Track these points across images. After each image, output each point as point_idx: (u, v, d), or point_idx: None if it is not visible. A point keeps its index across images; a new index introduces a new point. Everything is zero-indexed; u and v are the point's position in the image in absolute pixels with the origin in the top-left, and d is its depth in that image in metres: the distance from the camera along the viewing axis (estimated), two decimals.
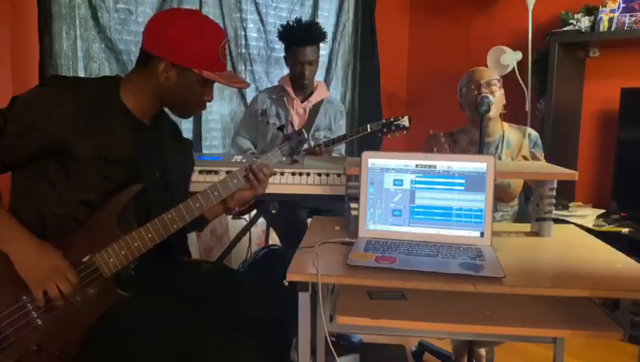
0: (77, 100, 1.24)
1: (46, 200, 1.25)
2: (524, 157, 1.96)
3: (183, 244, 1.58)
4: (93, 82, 1.39)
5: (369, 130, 2.22)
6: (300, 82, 2.44)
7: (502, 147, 2.04)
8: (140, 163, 1.33)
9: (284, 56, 2.49)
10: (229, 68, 1.42)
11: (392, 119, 2.19)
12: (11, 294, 1.20)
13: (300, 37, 2.36)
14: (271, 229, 2.72)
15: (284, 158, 1.54)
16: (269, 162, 1.51)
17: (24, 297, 1.20)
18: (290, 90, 2.47)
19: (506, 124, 2.07)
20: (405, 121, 2.19)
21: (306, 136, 1.57)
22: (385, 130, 2.21)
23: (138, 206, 1.33)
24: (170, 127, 1.52)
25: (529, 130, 2.09)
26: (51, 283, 1.19)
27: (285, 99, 2.49)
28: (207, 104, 1.43)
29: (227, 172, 1.46)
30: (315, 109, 2.50)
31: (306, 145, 2.41)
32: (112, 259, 1.25)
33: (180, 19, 1.31)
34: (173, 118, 1.52)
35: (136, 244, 1.27)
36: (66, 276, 1.20)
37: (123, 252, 1.26)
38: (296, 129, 2.27)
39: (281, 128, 2.34)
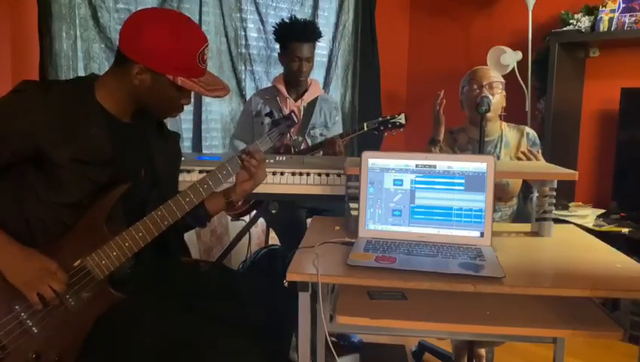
0: (49, 105, 1.20)
1: (31, 207, 1.22)
2: (523, 154, 1.94)
3: (180, 243, 1.56)
4: (66, 84, 1.35)
5: (365, 128, 2.23)
6: (296, 79, 2.43)
7: (500, 146, 2.04)
8: (122, 162, 1.29)
9: (278, 54, 2.48)
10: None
11: (388, 117, 2.20)
12: (4, 304, 1.19)
13: (297, 33, 2.36)
14: (271, 229, 2.72)
15: (278, 149, 1.51)
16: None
17: (17, 306, 1.19)
18: (283, 89, 2.47)
19: (504, 124, 2.07)
20: (402, 119, 2.20)
21: (295, 119, 1.56)
22: (381, 127, 2.22)
23: (129, 205, 1.31)
24: (154, 122, 1.46)
25: (527, 129, 2.09)
26: (43, 284, 1.18)
27: (278, 99, 2.48)
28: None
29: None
30: (310, 107, 2.49)
31: (303, 146, 2.42)
32: (104, 261, 1.24)
33: (156, 21, 1.24)
34: None
35: (127, 244, 1.26)
36: (56, 274, 1.19)
37: (114, 253, 1.25)
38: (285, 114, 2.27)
39: (269, 114, 2.34)
